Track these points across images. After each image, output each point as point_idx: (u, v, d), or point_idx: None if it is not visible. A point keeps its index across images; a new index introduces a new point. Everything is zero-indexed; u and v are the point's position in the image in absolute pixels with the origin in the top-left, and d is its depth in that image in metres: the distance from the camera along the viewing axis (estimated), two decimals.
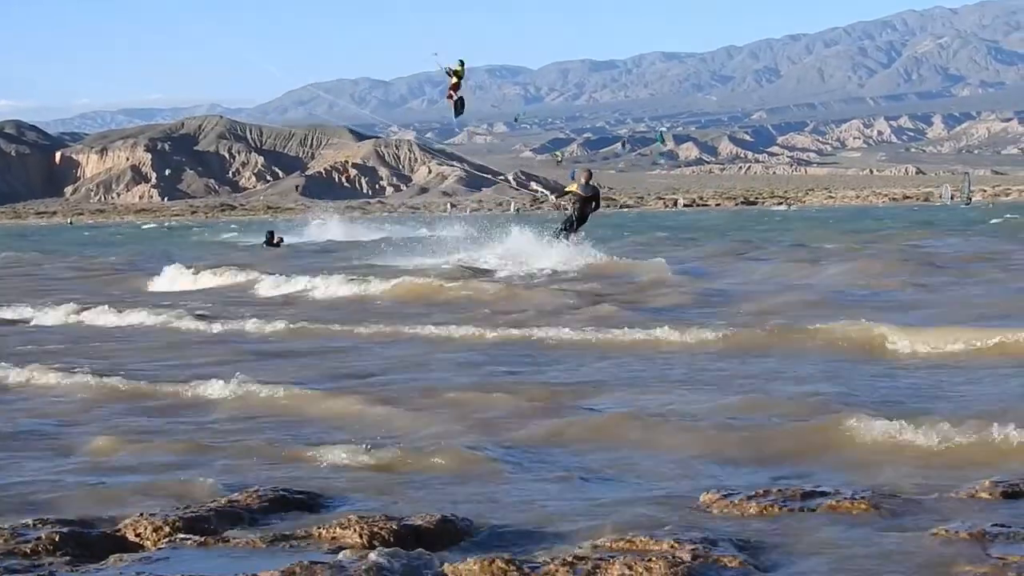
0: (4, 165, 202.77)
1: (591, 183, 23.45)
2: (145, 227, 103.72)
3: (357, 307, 15.41)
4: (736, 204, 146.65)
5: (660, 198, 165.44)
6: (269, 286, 18.66)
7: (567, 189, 24.02)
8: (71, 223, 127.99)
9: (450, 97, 25.27)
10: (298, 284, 18.79)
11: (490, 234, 25.06)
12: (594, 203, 23.46)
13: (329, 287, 18.09)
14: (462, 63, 24.65)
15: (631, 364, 9.37)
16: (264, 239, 36.44)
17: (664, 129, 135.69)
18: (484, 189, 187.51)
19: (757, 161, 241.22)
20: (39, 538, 4.71)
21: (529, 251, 22.13)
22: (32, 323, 14.61)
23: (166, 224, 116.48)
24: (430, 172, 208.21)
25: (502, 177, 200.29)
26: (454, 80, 24.75)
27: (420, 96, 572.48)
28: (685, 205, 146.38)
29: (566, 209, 23.45)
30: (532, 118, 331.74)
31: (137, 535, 4.90)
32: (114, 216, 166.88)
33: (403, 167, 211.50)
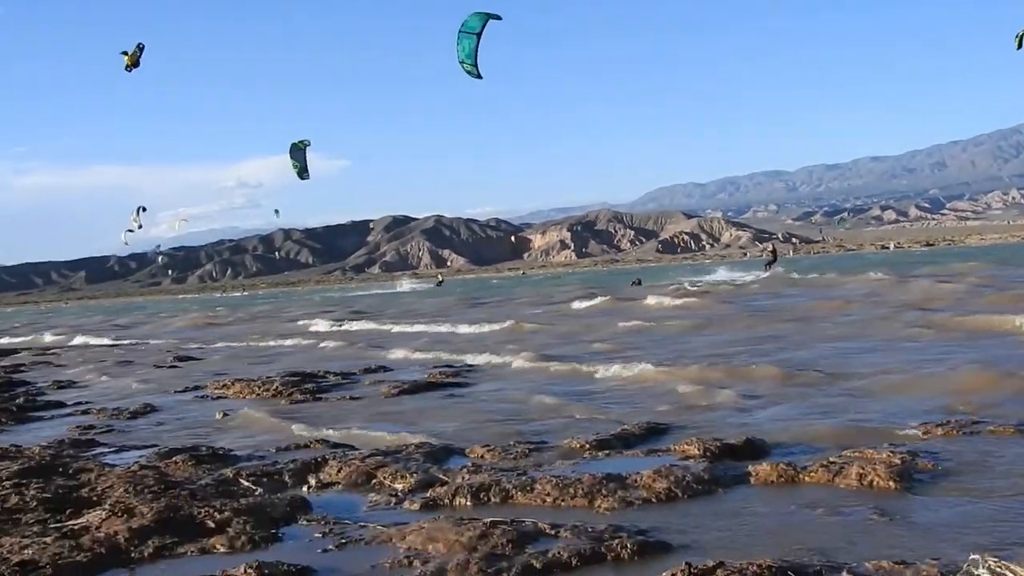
0: (489, 243, 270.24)
1: (774, 247, 49.67)
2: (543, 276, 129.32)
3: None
4: (922, 246, 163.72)
5: (872, 244, 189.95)
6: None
7: (769, 251, 49.39)
8: (523, 274, 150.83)
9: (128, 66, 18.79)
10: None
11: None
12: (775, 255, 43.70)
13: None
14: (139, 48, 18.57)
15: None
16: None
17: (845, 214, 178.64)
18: (765, 243, 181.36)
19: (934, 219, 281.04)
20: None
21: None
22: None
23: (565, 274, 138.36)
24: (731, 235, 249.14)
25: (776, 236, 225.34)
26: (131, 57, 18.73)
27: (724, 191, 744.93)
28: (896, 247, 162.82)
29: (771, 254, 48.44)
30: (792, 204, 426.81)
31: (571, 448, 7.08)
32: (550, 269, 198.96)
33: (715, 232, 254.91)
